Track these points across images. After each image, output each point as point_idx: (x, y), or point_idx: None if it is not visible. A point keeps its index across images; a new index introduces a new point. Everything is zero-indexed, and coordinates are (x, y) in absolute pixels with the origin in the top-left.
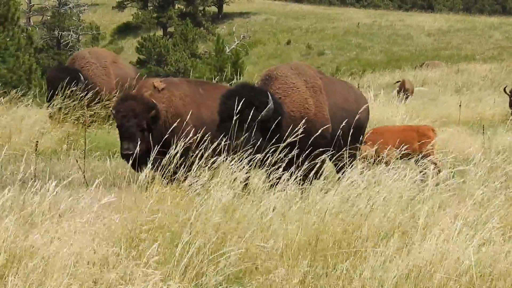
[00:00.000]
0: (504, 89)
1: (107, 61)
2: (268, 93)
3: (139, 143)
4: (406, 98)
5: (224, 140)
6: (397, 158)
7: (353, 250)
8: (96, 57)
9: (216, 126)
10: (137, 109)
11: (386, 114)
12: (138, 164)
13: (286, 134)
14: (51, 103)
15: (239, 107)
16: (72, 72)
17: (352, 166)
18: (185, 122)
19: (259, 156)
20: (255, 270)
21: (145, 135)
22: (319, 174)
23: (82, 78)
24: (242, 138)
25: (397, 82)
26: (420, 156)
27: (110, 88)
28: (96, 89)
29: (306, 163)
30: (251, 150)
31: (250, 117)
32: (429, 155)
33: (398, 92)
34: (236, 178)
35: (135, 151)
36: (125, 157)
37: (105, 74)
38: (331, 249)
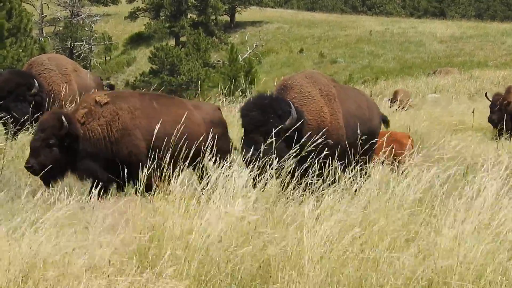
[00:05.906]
0: (486, 94)
1: (68, 68)
2: (290, 102)
3: (44, 158)
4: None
5: (252, 152)
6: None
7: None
8: (56, 64)
9: (243, 138)
10: (45, 124)
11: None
12: (46, 179)
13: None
14: None
15: (263, 118)
16: (25, 77)
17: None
18: (133, 136)
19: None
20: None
21: (54, 151)
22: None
23: (36, 84)
24: (268, 148)
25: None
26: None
27: (72, 97)
28: (56, 98)
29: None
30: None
31: (275, 127)
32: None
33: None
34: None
35: (36, 167)
36: (27, 170)
37: (66, 82)
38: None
